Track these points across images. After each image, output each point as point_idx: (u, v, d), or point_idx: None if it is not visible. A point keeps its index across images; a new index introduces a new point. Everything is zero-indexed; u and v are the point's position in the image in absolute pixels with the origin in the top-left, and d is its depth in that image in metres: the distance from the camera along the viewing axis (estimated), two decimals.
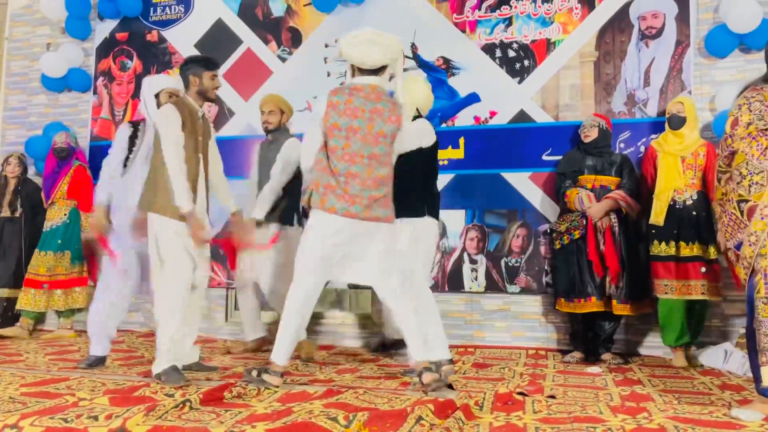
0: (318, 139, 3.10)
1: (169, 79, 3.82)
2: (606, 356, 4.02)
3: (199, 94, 3.31)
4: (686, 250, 3.92)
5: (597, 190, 4.12)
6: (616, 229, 4.03)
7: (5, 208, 5.28)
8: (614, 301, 3.98)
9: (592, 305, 4.03)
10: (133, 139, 3.67)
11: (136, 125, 3.72)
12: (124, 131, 3.71)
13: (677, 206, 3.98)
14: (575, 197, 4.14)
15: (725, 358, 3.78)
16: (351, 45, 3.05)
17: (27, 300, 4.96)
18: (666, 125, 4.14)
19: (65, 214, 5.11)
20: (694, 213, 3.94)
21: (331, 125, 3.02)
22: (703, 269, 3.88)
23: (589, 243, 4.05)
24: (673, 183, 4.00)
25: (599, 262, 4.01)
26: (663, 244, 3.97)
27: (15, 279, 5.15)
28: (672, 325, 3.95)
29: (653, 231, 4.02)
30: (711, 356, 3.89)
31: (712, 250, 3.87)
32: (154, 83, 3.70)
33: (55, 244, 5.04)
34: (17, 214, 5.27)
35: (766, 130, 2.60)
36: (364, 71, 3.10)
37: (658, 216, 3.99)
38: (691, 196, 3.97)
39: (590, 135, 4.22)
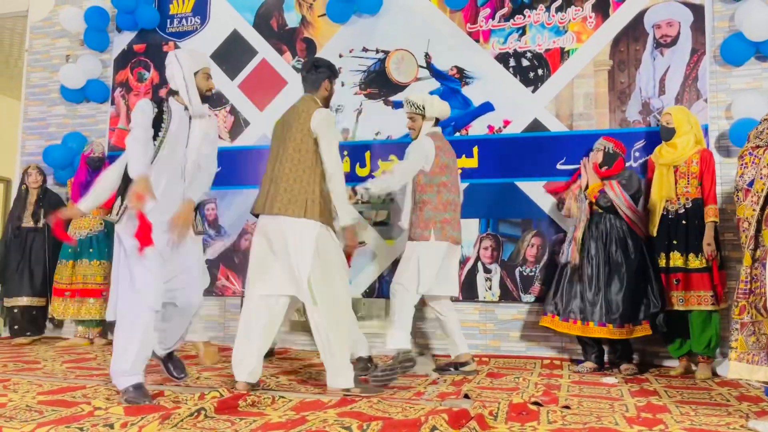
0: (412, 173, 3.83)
1: (207, 58, 3.39)
2: (623, 366, 3.99)
3: (325, 100, 3.30)
4: (679, 261, 3.91)
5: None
6: (583, 215, 4.10)
7: (28, 218, 5.34)
8: (590, 323, 3.99)
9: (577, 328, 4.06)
10: (157, 123, 3.04)
11: (159, 106, 3.08)
12: (148, 110, 3.02)
13: (669, 216, 3.98)
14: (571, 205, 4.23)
15: None
16: (438, 102, 3.98)
17: (72, 309, 5.04)
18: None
19: (101, 224, 5.18)
20: (684, 222, 3.92)
21: (442, 164, 3.81)
22: (675, 280, 3.89)
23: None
24: (665, 193, 4.01)
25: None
26: (662, 254, 3.98)
27: (41, 288, 5.24)
28: (672, 335, 4.00)
29: (655, 244, 4.04)
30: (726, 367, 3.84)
31: (693, 258, 3.87)
32: (198, 60, 3.15)
33: (87, 253, 5.10)
34: (40, 224, 5.33)
35: (757, 147, 2.63)
36: (436, 122, 3.95)
37: (653, 227, 4.05)
38: (684, 205, 3.95)
39: (595, 159, 4.23)
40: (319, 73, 3.27)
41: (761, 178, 2.56)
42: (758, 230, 2.58)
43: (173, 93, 3.12)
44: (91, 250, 5.12)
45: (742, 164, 2.66)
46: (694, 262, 3.86)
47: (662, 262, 3.97)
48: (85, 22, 5.77)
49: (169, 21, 5.77)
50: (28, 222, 5.34)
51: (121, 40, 5.87)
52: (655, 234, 4.03)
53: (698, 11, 4.51)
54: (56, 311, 5.08)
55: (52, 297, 5.13)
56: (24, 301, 5.22)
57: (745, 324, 2.57)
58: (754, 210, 2.57)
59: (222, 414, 2.57)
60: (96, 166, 5.17)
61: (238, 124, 5.44)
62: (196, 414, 2.48)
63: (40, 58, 6.17)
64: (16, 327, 5.24)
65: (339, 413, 2.59)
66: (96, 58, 5.87)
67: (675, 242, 3.92)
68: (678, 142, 4.04)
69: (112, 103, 5.85)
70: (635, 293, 3.94)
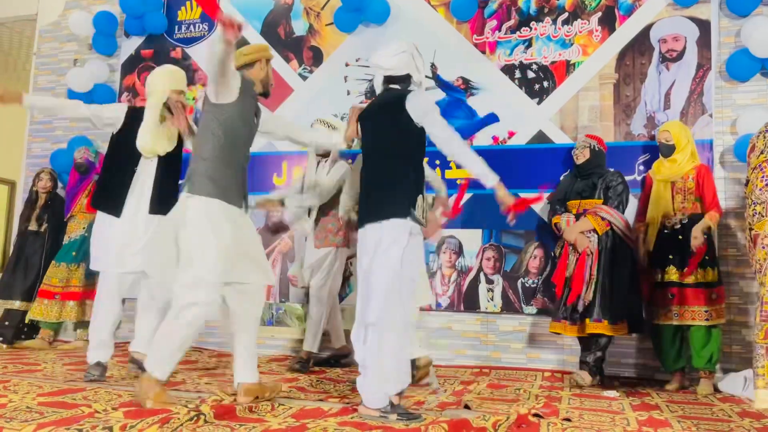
0: None
1: None
2: (580, 372, 3.92)
3: None
4: (674, 276, 3.89)
5: (581, 215, 4.05)
6: (593, 249, 3.93)
7: (32, 221, 5.35)
8: (587, 320, 3.88)
9: (561, 327, 4.00)
10: None
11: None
12: None
13: (666, 231, 3.99)
14: (560, 222, 4.13)
15: (744, 385, 3.71)
16: None
17: (39, 310, 5.01)
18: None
19: (83, 228, 5.17)
20: (680, 237, 3.90)
21: None
22: (671, 295, 3.87)
23: (559, 265, 4.05)
24: (662, 209, 4.02)
25: (562, 284, 4.01)
26: (657, 269, 3.97)
27: (31, 292, 5.18)
28: (666, 350, 3.99)
29: (652, 258, 4.03)
30: (730, 383, 3.82)
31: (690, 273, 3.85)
32: None
33: (70, 256, 5.11)
34: (42, 229, 5.34)
35: None
36: None
37: (650, 244, 4.05)
38: (681, 221, 3.94)
39: (581, 156, 4.19)
40: None
41: None
42: None
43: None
44: (74, 253, 5.11)
45: (763, 176, 2.59)
46: (689, 278, 3.85)
47: (658, 277, 3.96)
48: (94, 26, 5.80)
49: (177, 27, 5.80)
50: (32, 226, 5.34)
51: (129, 45, 5.91)
52: (651, 249, 4.04)
53: (704, 27, 4.53)
54: (39, 313, 5.00)
55: (37, 299, 5.05)
56: (21, 305, 5.17)
57: None
58: None
59: (221, 420, 2.56)
60: (81, 171, 5.24)
61: None
62: (195, 419, 2.48)
63: (48, 62, 6.21)
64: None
65: (339, 422, 2.58)
66: (103, 63, 5.90)
67: (671, 257, 3.92)
68: (678, 157, 4.05)
69: None
70: (615, 292, 3.86)
